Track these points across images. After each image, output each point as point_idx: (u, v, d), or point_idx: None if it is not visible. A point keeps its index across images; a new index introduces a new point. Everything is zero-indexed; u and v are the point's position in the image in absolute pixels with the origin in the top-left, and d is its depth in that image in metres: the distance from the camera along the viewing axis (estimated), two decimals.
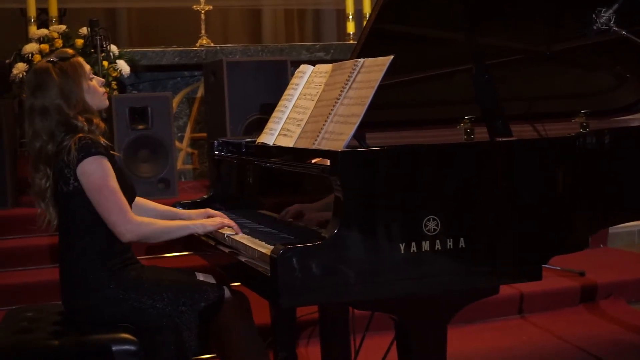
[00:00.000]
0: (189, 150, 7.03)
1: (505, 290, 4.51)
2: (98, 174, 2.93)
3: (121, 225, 2.93)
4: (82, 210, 2.97)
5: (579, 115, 3.78)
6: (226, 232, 3.06)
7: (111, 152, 3.06)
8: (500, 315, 4.80)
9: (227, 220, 3.10)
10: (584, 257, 4.40)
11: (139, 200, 3.28)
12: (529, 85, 3.69)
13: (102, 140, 3.03)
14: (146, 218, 3.04)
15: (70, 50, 3.13)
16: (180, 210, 3.35)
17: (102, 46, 5.79)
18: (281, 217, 3.05)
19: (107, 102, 3.17)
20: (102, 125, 3.08)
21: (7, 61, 6.45)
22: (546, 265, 2.77)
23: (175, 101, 6.88)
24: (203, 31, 7.65)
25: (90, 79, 3.08)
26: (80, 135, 2.94)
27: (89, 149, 2.92)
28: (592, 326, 4.68)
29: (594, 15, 3.27)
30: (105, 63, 5.97)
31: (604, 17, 3.23)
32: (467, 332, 4.49)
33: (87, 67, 3.11)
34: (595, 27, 3.24)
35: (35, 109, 3.01)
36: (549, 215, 2.75)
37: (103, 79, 3.19)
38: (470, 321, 4.59)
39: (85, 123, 2.99)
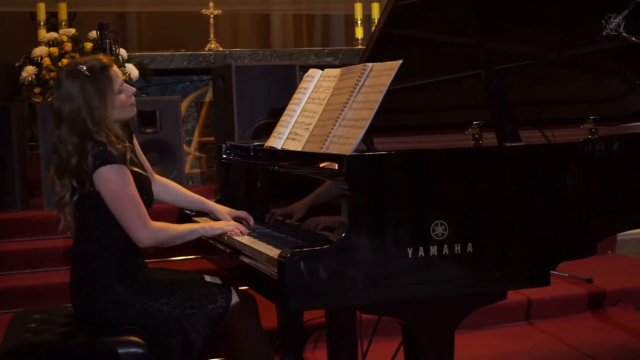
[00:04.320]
0: (197, 154, 7.04)
1: (513, 296, 4.51)
2: (116, 182, 2.92)
3: (139, 233, 2.96)
4: (97, 214, 2.98)
5: (588, 121, 3.78)
6: (232, 235, 3.09)
7: (133, 168, 3.03)
8: (507, 321, 4.79)
9: (232, 223, 3.14)
10: (592, 263, 4.39)
11: (170, 183, 3.43)
12: (538, 91, 3.69)
13: (120, 148, 2.96)
14: (161, 224, 3.05)
15: (104, 59, 3.05)
16: (208, 201, 3.40)
17: (111, 50, 5.80)
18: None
19: (134, 111, 3.12)
20: (127, 146, 3.02)
21: (16, 64, 6.48)
22: (554, 272, 2.77)
23: (184, 105, 6.89)
24: (212, 35, 7.67)
25: (120, 92, 3.03)
26: (99, 140, 2.92)
27: (106, 157, 2.90)
28: (599, 333, 4.66)
29: (603, 22, 3.26)
30: None
31: (614, 23, 3.23)
32: (474, 338, 4.48)
33: (119, 79, 3.04)
34: (605, 33, 3.23)
35: (62, 115, 2.97)
36: (557, 221, 2.75)
37: (134, 89, 3.13)
38: (478, 327, 4.58)
39: (111, 138, 2.95)
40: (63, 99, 2.99)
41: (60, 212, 3.02)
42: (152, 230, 2.98)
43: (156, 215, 3.08)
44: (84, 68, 2.99)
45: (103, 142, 2.93)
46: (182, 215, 3.54)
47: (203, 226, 3.13)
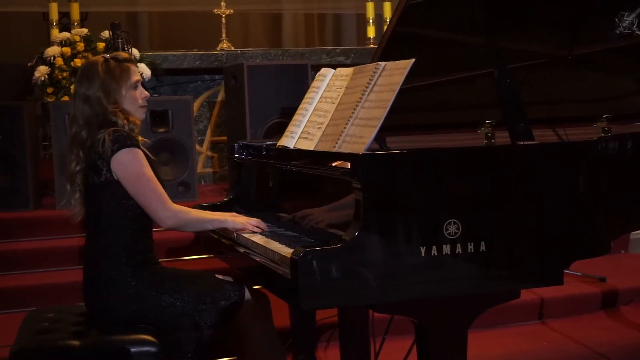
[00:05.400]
0: (209, 153, 7.05)
1: (526, 295, 4.47)
2: (134, 164, 2.99)
3: (161, 212, 3.01)
4: (111, 204, 3.03)
5: (601, 120, 3.76)
6: (244, 233, 3.11)
7: (146, 151, 3.10)
8: (520, 320, 4.78)
9: (254, 220, 3.15)
10: (605, 262, 4.38)
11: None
12: (550, 89, 3.67)
13: (140, 139, 3.11)
14: (183, 207, 3.11)
15: (126, 55, 3.22)
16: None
17: (123, 49, 5.81)
18: (298, 218, 3.07)
19: (143, 116, 3.21)
20: (138, 122, 3.16)
21: (29, 64, 6.51)
22: (567, 271, 2.76)
23: (196, 104, 6.90)
24: (224, 35, 7.68)
25: (134, 88, 3.14)
26: (114, 128, 3.00)
27: (123, 141, 2.98)
28: (613, 332, 4.65)
29: (616, 19, 3.25)
30: None
31: (627, 21, 3.21)
32: (487, 337, 4.48)
33: (136, 77, 3.17)
34: (617, 31, 3.22)
35: (78, 95, 3.11)
36: (571, 220, 2.73)
37: (148, 94, 3.24)
38: (491, 326, 4.58)
39: (125, 121, 3.07)
40: (81, 80, 3.12)
41: (69, 186, 3.11)
42: (173, 210, 3.04)
43: None
44: (107, 56, 3.16)
45: (114, 121, 3.04)
46: None
47: (227, 218, 3.17)
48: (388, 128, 2.75)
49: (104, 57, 3.15)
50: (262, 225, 3.14)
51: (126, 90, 3.12)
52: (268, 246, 2.83)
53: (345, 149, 2.72)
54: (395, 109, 2.62)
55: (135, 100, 3.14)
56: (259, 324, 3.16)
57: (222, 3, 7.88)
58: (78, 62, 6.18)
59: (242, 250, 3.04)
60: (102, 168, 2.99)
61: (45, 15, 7.61)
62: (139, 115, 3.17)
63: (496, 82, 2.97)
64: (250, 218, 3.18)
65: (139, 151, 3.02)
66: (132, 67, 3.16)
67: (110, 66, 3.10)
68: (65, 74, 6.14)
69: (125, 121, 3.07)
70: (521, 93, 2.98)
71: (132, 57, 6.07)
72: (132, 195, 3.01)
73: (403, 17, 3.16)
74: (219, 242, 3.28)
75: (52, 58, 6.20)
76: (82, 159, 3.05)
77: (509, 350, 4.41)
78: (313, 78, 3.30)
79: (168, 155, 5.93)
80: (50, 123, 5.76)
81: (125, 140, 2.99)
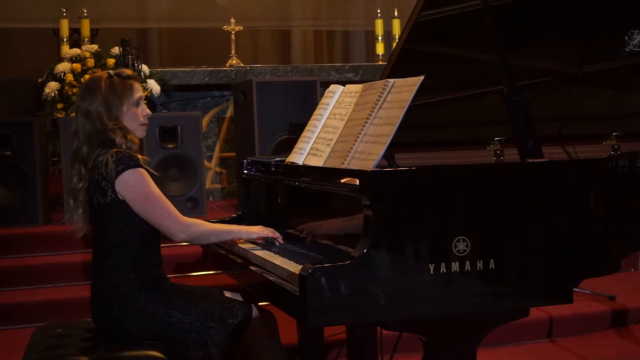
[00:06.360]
0: (218, 169, 7.06)
1: (535, 313, 4.47)
2: (140, 184, 2.99)
3: (173, 227, 3.01)
4: (118, 223, 3.02)
5: (611, 137, 3.76)
6: (245, 245, 3.14)
7: (149, 168, 3.10)
8: (529, 339, 4.75)
9: (268, 229, 3.16)
10: (615, 280, 4.36)
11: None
12: (560, 107, 3.67)
13: (141, 158, 3.09)
14: (195, 219, 3.11)
15: (130, 72, 3.21)
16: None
17: (133, 65, 5.84)
18: (306, 234, 3.07)
19: (143, 134, 3.20)
20: (137, 141, 3.14)
21: (39, 80, 6.54)
22: (576, 289, 2.75)
23: (205, 120, 6.91)
24: (233, 51, 7.71)
25: (136, 105, 3.14)
26: (116, 149, 2.99)
27: (127, 162, 2.98)
28: (622, 351, 4.62)
29: (626, 37, 3.25)
30: None
31: (637, 39, 3.21)
32: (495, 355, 4.45)
33: (139, 94, 3.17)
34: (627, 49, 3.22)
35: (80, 110, 3.11)
36: (580, 238, 2.72)
37: (150, 112, 3.23)
38: (500, 344, 4.55)
39: (123, 139, 3.05)
40: (84, 95, 3.13)
41: (71, 202, 3.11)
42: (185, 224, 3.03)
43: None
44: (111, 72, 3.15)
45: (112, 138, 3.03)
46: None
47: (240, 229, 3.18)
48: (397, 145, 2.75)
49: (108, 73, 3.15)
50: (277, 234, 3.14)
51: (127, 107, 3.11)
52: (276, 263, 2.82)
53: (354, 165, 2.72)
54: (404, 126, 2.62)
55: (136, 118, 3.14)
56: (267, 341, 3.15)
57: (232, 20, 7.92)
58: (88, 78, 6.21)
59: (250, 267, 3.03)
60: (107, 189, 2.99)
61: (56, 32, 7.65)
62: (139, 133, 3.16)
63: (506, 99, 2.97)
64: (264, 227, 3.18)
65: (143, 171, 3.02)
66: (136, 84, 3.16)
67: (113, 82, 3.10)
68: (75, 90, 6.16)
69: (123, 139, 3.05)
70: (531, 110, 2.98)
71: (142, 73, 6.11)
72: (141, 215, 3.01)
73: (412, 34, 3.17)
74: (227, 257, 3.28)
75: (62, 74, 6.23)
76: (84, 176, 3.05)
77: None
78: (322, 95, 3.31)
79: (177, 171, 5.94)
80: (60, 139, 5.78)
81: (129, 161, 2.98)
